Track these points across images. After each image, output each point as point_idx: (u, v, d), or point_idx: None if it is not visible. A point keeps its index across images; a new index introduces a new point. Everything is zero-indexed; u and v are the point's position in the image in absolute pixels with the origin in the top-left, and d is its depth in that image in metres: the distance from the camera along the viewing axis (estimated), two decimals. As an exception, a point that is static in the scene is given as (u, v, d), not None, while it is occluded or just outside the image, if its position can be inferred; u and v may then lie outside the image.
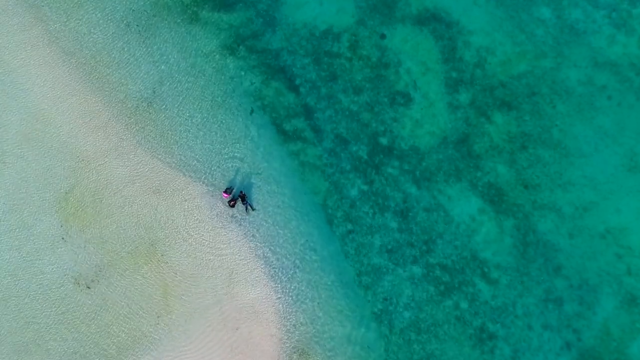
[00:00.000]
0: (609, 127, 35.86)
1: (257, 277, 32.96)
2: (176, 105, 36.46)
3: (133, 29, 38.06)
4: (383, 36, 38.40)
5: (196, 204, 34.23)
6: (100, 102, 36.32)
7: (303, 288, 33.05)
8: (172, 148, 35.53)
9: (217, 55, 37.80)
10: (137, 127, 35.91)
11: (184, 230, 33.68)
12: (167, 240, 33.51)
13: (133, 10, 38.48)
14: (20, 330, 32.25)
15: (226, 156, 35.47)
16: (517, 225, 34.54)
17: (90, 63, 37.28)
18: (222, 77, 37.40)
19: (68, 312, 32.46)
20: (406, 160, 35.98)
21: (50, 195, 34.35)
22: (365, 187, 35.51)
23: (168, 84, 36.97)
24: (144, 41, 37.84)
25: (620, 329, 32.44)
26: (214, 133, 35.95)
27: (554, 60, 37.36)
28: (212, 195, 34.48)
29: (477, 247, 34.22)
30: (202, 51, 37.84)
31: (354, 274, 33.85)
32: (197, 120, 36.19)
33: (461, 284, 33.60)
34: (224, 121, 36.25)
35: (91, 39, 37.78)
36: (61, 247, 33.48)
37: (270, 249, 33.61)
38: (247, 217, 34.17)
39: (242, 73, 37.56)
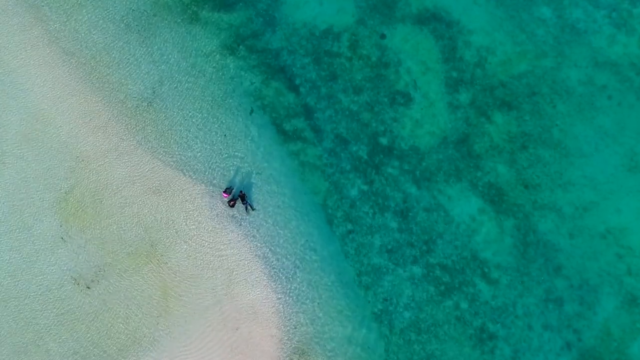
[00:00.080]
0: (609, 127, 35.82)
1: (257, 277, 32.94)
2: (176, 105, 36.43)
3: (133, 29, 38.03)
4: (383, 36, 38.36)
5: (196, 204, 34.21)
6: (100, 102, 36.30)
7: (303, 288, 33.03)
8: (172, 148, 35.50)
9: (217, 55, 37.77)
10: (137, 127, 35.89)
11: (184, 231, 33.66)
12: (167, 240, 33.49)
13: (133, 10, 38.46)
14: (20, 331, 32.22)
15: (226, 156, 35.44)
16: (518, 225, 34.51)
17: (90, 63, 37.26)
18: (222, 77, 37.37)
19: (68, 313, 32.45)
20: (406, 160, 35.94)
21: (50, 195, 34.33)
22: (365, 187, 35.48)
23: (168, 83, 36.95)
24: (143, 41, 37.82)
25: (621, 329, 32.42)
26: (213, 133, 35.92)
27: (555, 60, 37.33)
28: (212, 195, 34.46)
29: (477, 247, 34.20)
30: (202, 51, 37.81)
31: (354, 274, 33.83)
32: (197, 120, 36.17)
33: (461, 284, 33.57)
34: (223, 121, 36.22)
35: (91, 39, 37.75)
36: (61, 248, 33.46)
37: (270, 249, 33.59)
38: (246, 217, 34.14)
39: (242, 73, 37.54)
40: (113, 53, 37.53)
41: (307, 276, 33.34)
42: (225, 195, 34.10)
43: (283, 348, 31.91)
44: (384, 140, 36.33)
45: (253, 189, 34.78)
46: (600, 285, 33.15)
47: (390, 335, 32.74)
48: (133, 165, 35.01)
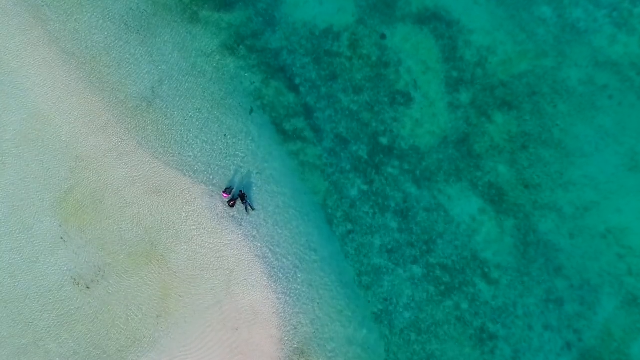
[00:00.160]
0: (610, 126, 35.74)
1: (257, 277, 32.93)
2: (176, 105, 36.40)
3: (133, 29, 38.00)
4: (383, 36, 38.28)
5: (196, 204, 34.20)
6: (100, 102, 36.27)
7: (303, 288, 33.02)
8: (171, 148, 35.48)
9: (217, 55, 37.72)
10: (137, 128, 35.86)
11: (183, 231, 33.65)
12: (167, 241, 33.49)
13: (132, 10, 38.41)
14: (20, 332, 32.27)
15: (226, 156, 35.42)
16: (518, 225, 34.47)
17: (90, 63, 37.21)
18: (222, 77, 37.33)
19: (68, 313, 32.48)
20: (406, 160, 35.90)
21: (49, 195, 34.34)
22: (365, 187, 35.45)
23: (168, 83, 36.91)
24: (143, 41, 37.77)
25: (621, 330, 32.38)
26: (213, 133, 35.89)
27: (555, 60, 37.23)
28: (212, 195, 34.45)
29: (477, 247, 34.17)
30: (202, 51, 37.76)
31: (354, 274, 33.83)
32: (196, 120, 36.14)
33: (461, 284, 33.55)
34: (223, 121, 36.19)
35: (91, 39, 37.71)
36: (61, 248, 33.48)
37: (270, 249, 33.57)
38: (246, 217, 34.12)
39: (242, 73, 37.49)
40: (113, 53, 37.49)
41: (307, 276, 33.33)
42: (225, 195, 34.08)
43: (283, 348, 31.92)
44: (384, 140, 36.29)
45: (253, 189, 34.76)
46: (600, 285, 33.11)
47: (390, 335, 32.75)
48: (133, 166, 35.00)
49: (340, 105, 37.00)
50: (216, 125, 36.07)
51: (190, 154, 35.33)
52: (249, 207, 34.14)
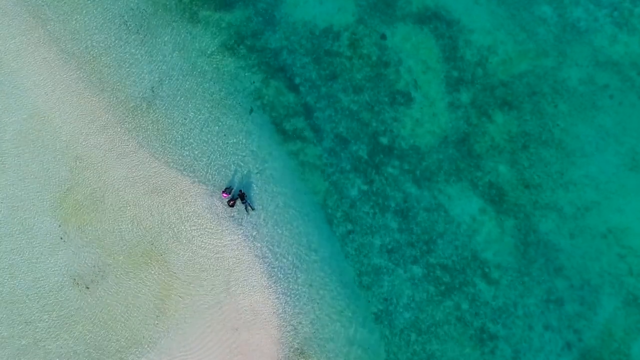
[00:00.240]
0: (610, 126, 35.66)
1: (256, 277, 32.92)
2: (176, 105, 36.39)
3: (133, 29, 37.97)
4: (383, 36, 38.21)
5: (196, 204, 34.20)
6: (100, 102, 36.27)
7: (303, 289, 33.02)
8: (171, 148, 35.48)
9: (217, 55, 37.68)
10: (137, 128, 35.85)
11: (183, 231, 33.65)
12: (166, 241, 33.49)
13: (132, 10, 38.38)
14: (19, 332, 32.30)
15: (225, 156, 35.40)
16: (518, 225, 34.41)
17: (90, 63, 37.21)
18: (222, 77, 37.29)
19: (67, 313, 32.49)
20: (406, 160, 35.85)
21: (49, 195, 34.35)
22: (365, 187, 35.41)
23: (168, 84, 36.90)
24: (143, 41, 37.75)
25: (622, 330, 32.34)
26: (213, 133, 35.88)
27: (556, 59, 37.15)
28: (212, 195, 34.44)
29: (477, 247, 34.13)
30: (201, 51, 37.72)
31: (354, 275, 33.80)
32: (196, 120, 36.13)
33: (462, 285, 33.51)
34: (223, 120, 36.17)
35: (91, 39, 37.69)
36: (60, 248, 33.49)
37: (269, 250, 33.56)
38: (246, 217, 34.10)
39: (242, 72, 37.44)
40: (113, 53, 37.48)
41: (307, 276, 33.32)
42: (225, 195, 34.06)
43: (283, 349, 31.92)
44: (384, 140, 36.24)
45: (253, 189, 34.74)
46: (601, 285, 33.06)
47: (390, 335, 32.73)
48: (133, 166, 35.00)
49: (340, 105, 36.95)
50: (216, 125, 36.05)
51: (190, 154, 35.33)
52: (248, 207, 34.12)
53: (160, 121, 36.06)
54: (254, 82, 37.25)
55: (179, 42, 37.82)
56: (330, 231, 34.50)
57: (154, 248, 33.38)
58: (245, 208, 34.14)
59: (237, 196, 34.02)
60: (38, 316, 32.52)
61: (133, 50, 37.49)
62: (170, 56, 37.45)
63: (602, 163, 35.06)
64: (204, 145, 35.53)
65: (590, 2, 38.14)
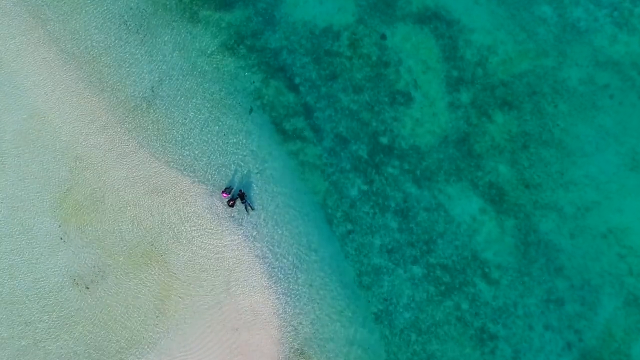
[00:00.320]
0: (610, 126, 35.64)
1: (256, 278, 32.91)
2: (176, 105, 36.38)
3: (132, 29, 37.95)
4: (383, 36, 38.19)
5: (196, 204, 34.18)
6: (99, 102, 36.26)
7: (303, 289, 33.01)
8: (171, 148, 35.47)
9: (217, 55, 37.67)
10: (137, 128, 35.84)
11: (183, 232, 33.64)
12: (166, 241, 33.48)
13: (132, 10, 38.35)
14: (19, 333, 32.30)
15: (225, 155, 35.39)
16: (518, 225, 34.39)
17: (90, 63, 37.19)
18: (222, 77, 37.28)
19: (67, 314, 32.49)
20: (406, 160, 35.83)
21: (49, 196, 34.34)
22: (365, 187, 35.39)
23: (168, 83, 36.88)
24: (143, 41, 37.73)
25: (622, 330, 32.33)
26: (213, 132, 35.87)
27: (556, 59, 37.12)
28: (211, 195, 34.42)
29: (478, 247, 34.11)
30: (201, 51, 37.70)
31: (354, 275, 33.79)
32: (196, 120, 36.11)
33: (462, 285, 33.50)
34: (223, 120, 36.15)
35: (91, 39, 37.68)
36: (60, 249, 33.49)
37: (269, 250, 33.55)
38: (246, 217, 34.09)
39: (242, 72, 37.42)
40: (113, 53, 37.47)
41: (307, 276, 33.31)
42: (225, 194, 34.05)
43: (283, 349, 31.91)
44: (384, 140, 36.22)
45: (252, 189, 34.73)
46: (601, 285, 33.04)
47: (390, 335, 32.72)
48: (133, 166, 34.99)
49: (340, 105, 36.93)
50: (216, 125, 36.04)
51: (190, 153, 35.32)
52: (248, 207, 34.11)
53: (161, 121, 36.05)
54: (253, 82, 37.24)
55: (179, 42, 37.80)
56: (330, 231, 34.48)
57: (154, 248, 33.37)
58: (245, 208, 34.13)
59: (237, 196, 34.01)
60: (38, 317, 32.53)
61: (133, 50, 37.49)
62: (170, 56, 37.43)
63: (602, 163, 35.04)
64: (204, 145, 35.52)
65: (590, 2, 38.11)
